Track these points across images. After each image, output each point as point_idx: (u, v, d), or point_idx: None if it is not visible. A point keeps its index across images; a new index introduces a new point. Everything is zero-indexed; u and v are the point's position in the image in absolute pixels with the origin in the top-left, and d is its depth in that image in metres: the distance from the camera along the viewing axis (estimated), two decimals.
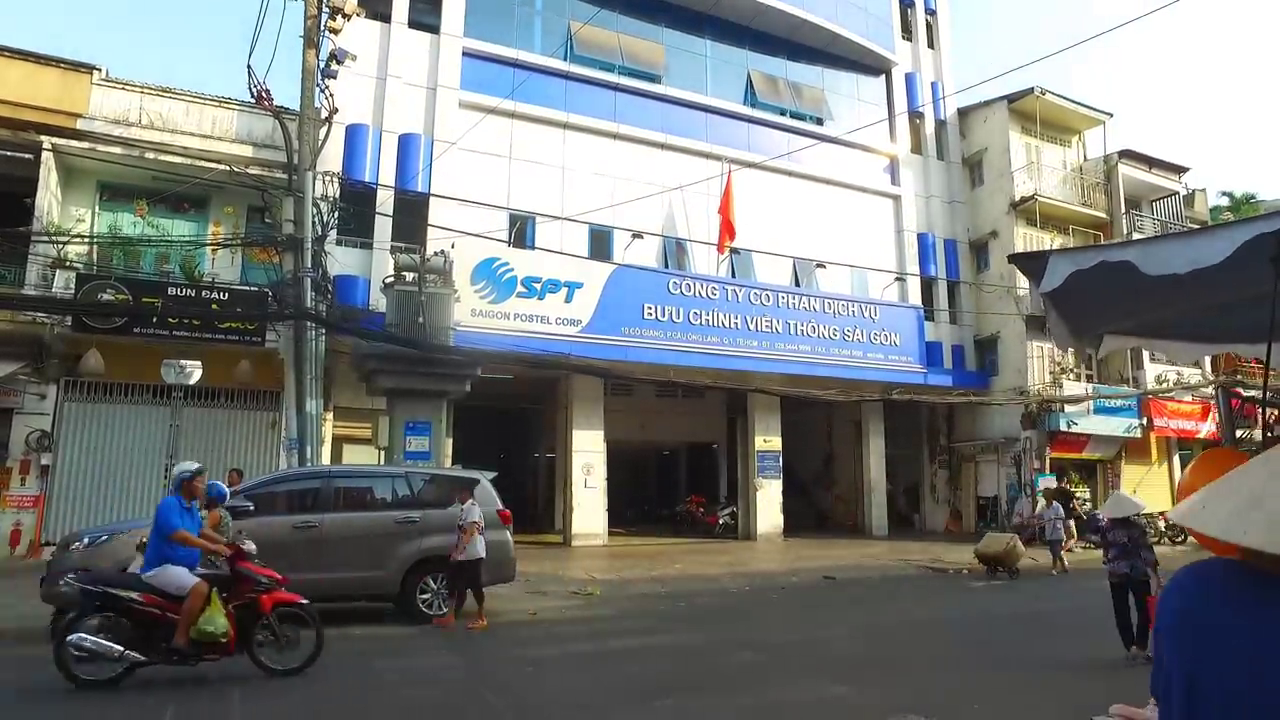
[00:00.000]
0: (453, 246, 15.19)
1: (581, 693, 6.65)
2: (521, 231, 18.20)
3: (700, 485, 26.83)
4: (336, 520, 9.41)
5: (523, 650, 8.20)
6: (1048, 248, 18.03)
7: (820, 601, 11.81)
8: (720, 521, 22.34)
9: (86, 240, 14.82)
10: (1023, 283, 22.54)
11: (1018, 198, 23.32)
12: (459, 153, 17.73)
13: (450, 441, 15.93)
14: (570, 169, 18.42)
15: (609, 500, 19.86)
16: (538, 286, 17.25)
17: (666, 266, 19.86)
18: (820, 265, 21.87)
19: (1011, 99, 23.99)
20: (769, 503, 21.50)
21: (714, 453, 26.54)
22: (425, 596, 9.60)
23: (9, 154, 14.58)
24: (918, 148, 25.03)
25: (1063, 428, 21.50)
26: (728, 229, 19.57)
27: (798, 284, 21.73)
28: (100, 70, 15.69)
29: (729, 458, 24.49)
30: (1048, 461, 21.69)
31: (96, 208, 15.99)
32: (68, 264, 14.51)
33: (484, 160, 18.16)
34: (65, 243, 14.29)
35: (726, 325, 19.30)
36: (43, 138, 14.74)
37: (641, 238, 19.18)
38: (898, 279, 23.05)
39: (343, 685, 6.86)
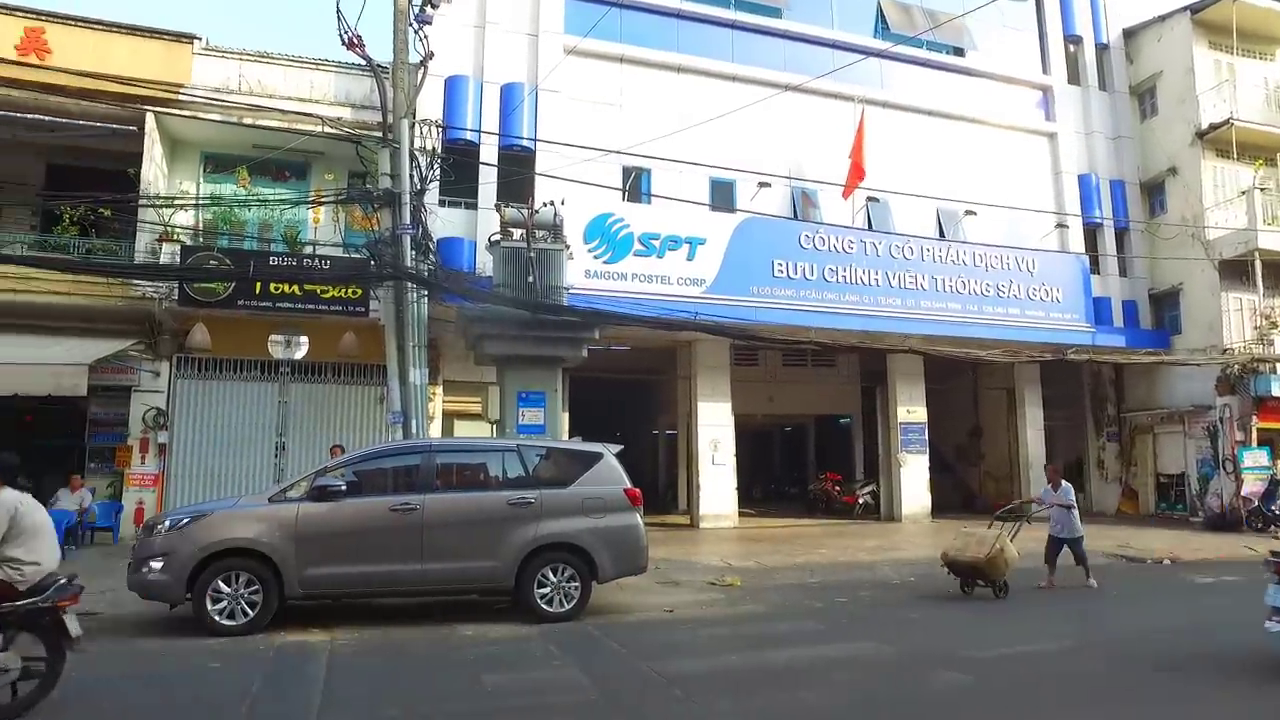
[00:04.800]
0: (563, 202, 13.81)
1: None
2: (636, 184, 16.69)
3: (832, 461, 24.81)
4: (439, 501, 8.15)
5: (663, 663, 6.69)
6: (1248, 181, 14.68)
7: (1010, 600, 9.83)
8: (860, 501, 20.35)
9: (191, 205, 14.30)
10: (1215, 221, 19.39)
11: (1205, 125, 19.96)
12: (565, 102, 16.35)
13: (566, 415, 14.68)
14: (686, 115, 16.67)
15: (736, 478, 18.26)
16: (656, 244, 15.69)
17: (796, 217, 17.91)
18: (970, 211, 19.36)
19: (1195, 9, 20.52)
20: (914, 480, 19.35)
21: (846, 426, 24.47)
22: (544, 591, 8.23)
23: (115, 127, 14.20)
24: (1075, 78, 21.92)
25: (1275, 392, 18.25)
26: (857, 173, 17.47)
27: (942, 235, 19.35)
28: (201, 39, 15.21)
29: (866, 431, 22.39)
30: (1254, 433, 18.50)
31: (201, 179, 15.56)
32: (174, 237, 14.09)
33: (592, 109, 16.71)
34: (170, 208, 13.80)
35: (865, 281, 17.19)
36: (147, 109, 14.31)
37: (769, 185, 17.30)
38: (1059, 226, 20.22)
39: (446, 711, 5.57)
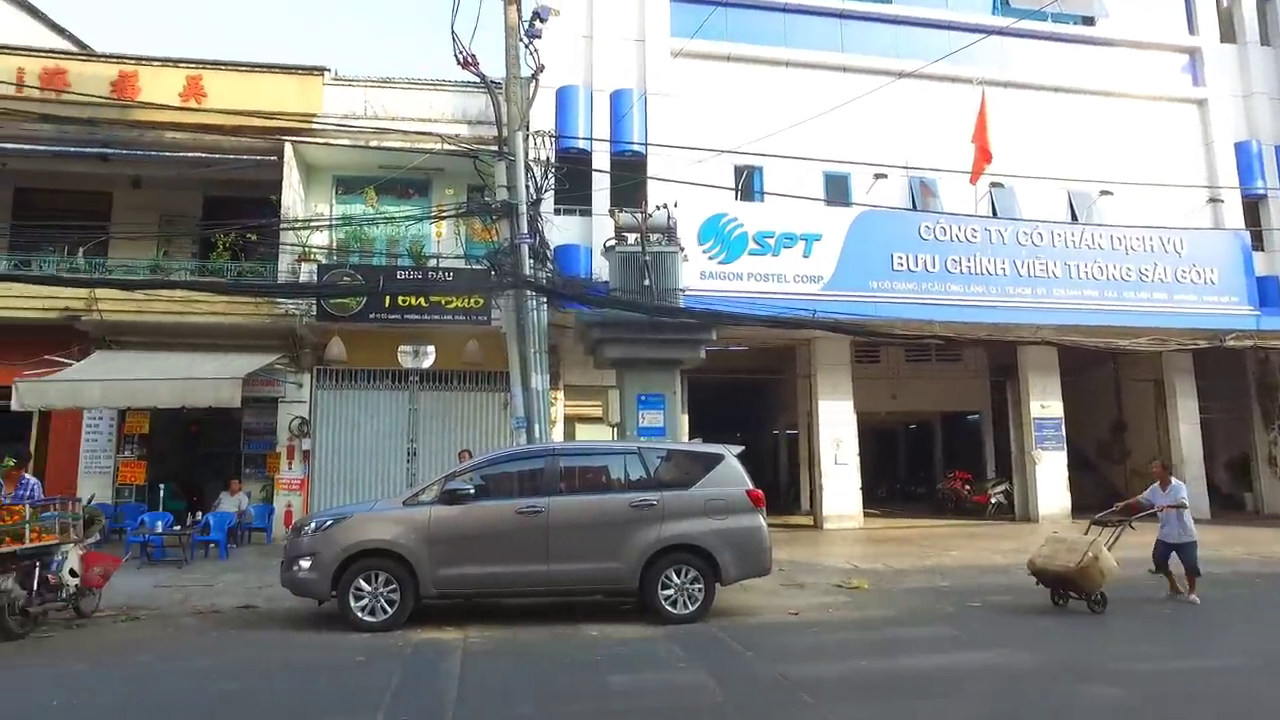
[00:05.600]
0: (675, 205, 13.86)
1: None
2: (748, 183, 16.54)
3: (959, 459, 23.75)
4: (563, 504, 8.32)
5: (790, 666, 6.58)
6: None
7: (1179, 610, 9.12)
8: (992, 500, 19.38)
9: (325, 226, 15.22)
10: None
11: None
12: (674, 105, 16.38)
13: (685, 417, 14.70)
14: (796, 110, 16.38)
15: (860, 478, 17.76)
16: (771, 242, 15.48)
17: (914, 208, 17.28)
18: (1106, 191, 18.12)
19: None
20: (1051, 478, 18.24)
21: (973, 422, 23.39)
22: (668, 592, 8.26)
23: (259, 158, 15.30)
24: (1230, 35, 20.15)
25: None
26: (984, 156, 16.67)
27: (1074, 218, 18.20)
28: (330, 71, 16.13)
29: (996, 427, 21.31)
30: None
31: (333, 201, 16.51)
32: (311, 256, 15.02)
33: (702, 110, 16.65)
34: (307, 230, 14.74)
35: (992, 271, 16.37)
36: (285, 139, 15.35)
37: (885, 177, 16.78)
38: (1211, 200, 18.64)
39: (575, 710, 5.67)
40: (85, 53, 17.63)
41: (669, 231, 12.88)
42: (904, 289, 15.89)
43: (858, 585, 10.47)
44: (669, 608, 8.23)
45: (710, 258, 15.21)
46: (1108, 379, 21.97)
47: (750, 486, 8.63)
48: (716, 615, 8.51)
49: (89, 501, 9.91)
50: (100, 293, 13.96)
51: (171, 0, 64.34)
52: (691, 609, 8.26)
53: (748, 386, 23.07)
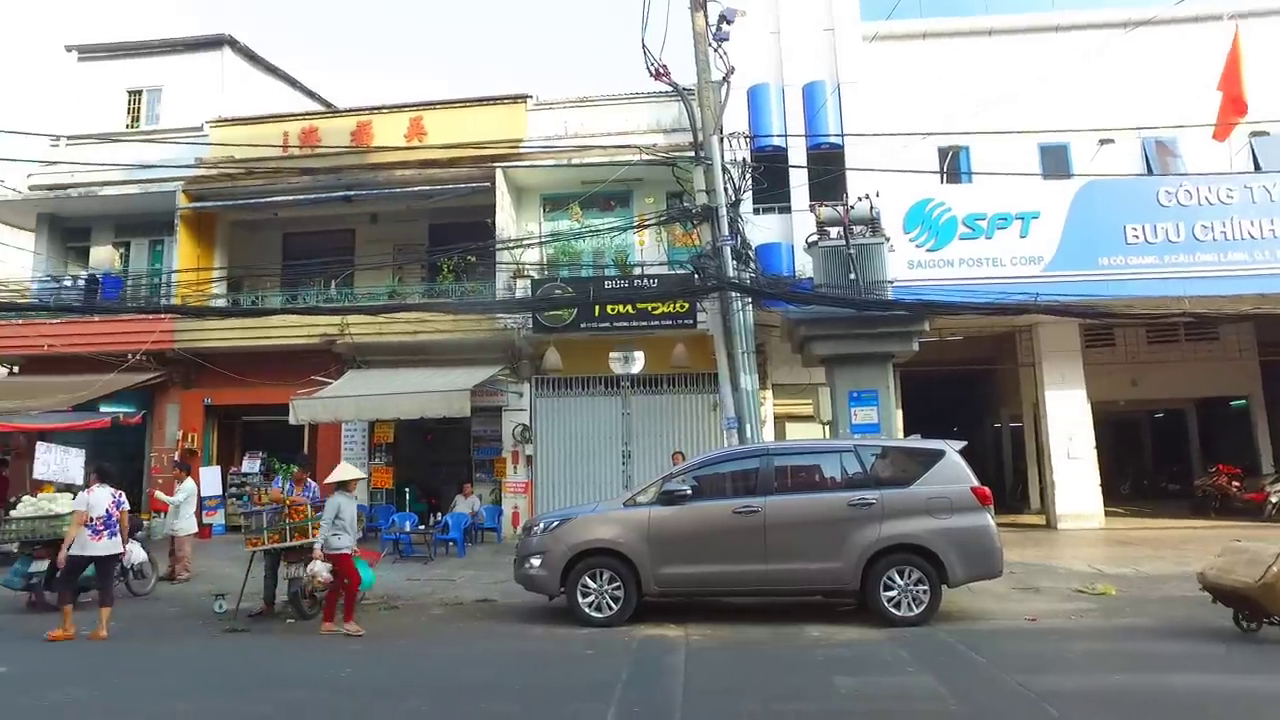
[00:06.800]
0: (878, 194, 13.39)
1: None
2: (954, 164, 15.65)
3: (1222, 452, 20.94)
4: (779, 504, 8.31)
5: (1030, 677, 6.15)
6: None
7: None
8: (1271, 499, 16.90)
9: (535, 243, 16.18)
10: None
11: None
12: (869, 92, 15.80)
13: (899, 413, 14.15)
14: (1003, 81, 15.25)
15: (1098, 473, 16.21)
16: (983, 224, 14.51)
17: (1150, 172, 15.53)
18: None
19: None
20: None
21: (1239, 409, 20.55)
22: (891, 594, 8.01)
23: (474, 185, 16.59)
24: None
25: None
26: (1234, 106, 14.62)
27: None
28: (532, 97, 17.21)
29: (1271, 414, 18.64)
30: None
31: (541, 219, 17.52)
32: (524, 273, 16.05)
33: (898, 94, 15.90)
34: (520, 248, 15.75)
35: (1255, 235, 14.29)
36: (496, 165, 16.54)
37: (1111, 142, 15.22)
38: None
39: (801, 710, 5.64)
40: (330, 110, 19.99)
41: (873, 222, 12.48)
42: (1141, 264, 14.29)
43: (1103, 591, 9.58)
44: (892, 610, 7.98)
45: (917, 246, 14.50)
46: None
47: (975, 483, 8.19)
48: (943, 619, 8.14)
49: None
50: (350, 318, 15.74)
51: (378, 45, 71.21)
52: (916, 611, 7.96)
53: (962, 378, 21.75)
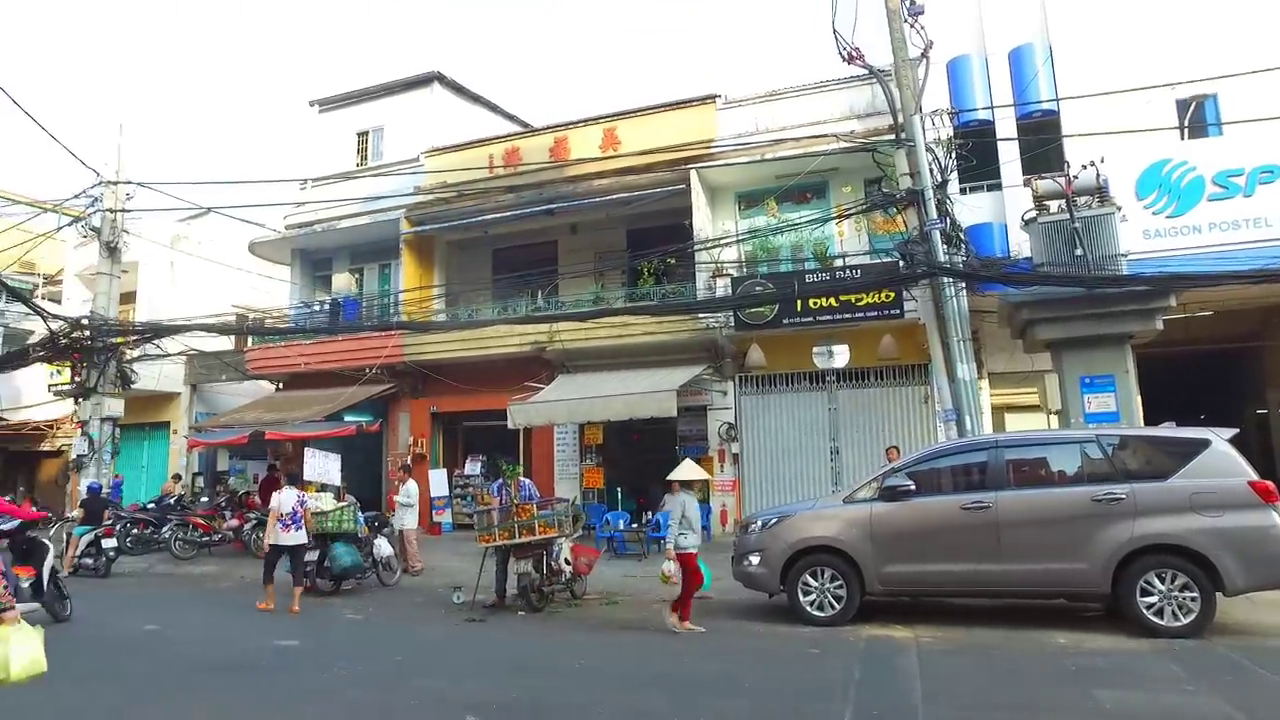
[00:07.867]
0: (1103, 160, 12.16)
1: None
2: (1197, 116, 13.88)
3: None
4: (1012, 499, 7.75)
5: None
6: None
7: None
8: None
9: (733, 241, 16.16)
10: None
11: None
12: (1087, 48, 14.37)
13: (1139, 399, 12.77)
14: (1258, 14, 13.35)
15: None
16: (1240, 180, 12.74)
17: None
18: None
19: None
20: None
21: None
22: (1150, 600, 7.23)
23: (669, 189, 16.88)
24: None
25: None
26: None
27: None
28: (721, 96, 17.23)
29: None
30: None
31: (737, 216, 17.48)
32: (724, 272, 16.11)
33: (1120, 48, 14.35)
34: (718, 247, 15.81)
35: None
36: (689, 167, 16.73)
37: None
38: None
39: None
40: (529, 129, 21.09)
41: (1099, 192, 11.34)
42: None
43: None
44: (1153, 618, 7.20)
45: (1155, 213, 13.00)
46: None
47: (1253, 476, 7.20)
48: (1218, 632, 7.25)
49: (573, 501, 11.77)
50: (558, 326, 16.52)
51: (568, 60, 74.10)
52: (1184, 621, 7.13)
53: (1209, 359, 19.22)
